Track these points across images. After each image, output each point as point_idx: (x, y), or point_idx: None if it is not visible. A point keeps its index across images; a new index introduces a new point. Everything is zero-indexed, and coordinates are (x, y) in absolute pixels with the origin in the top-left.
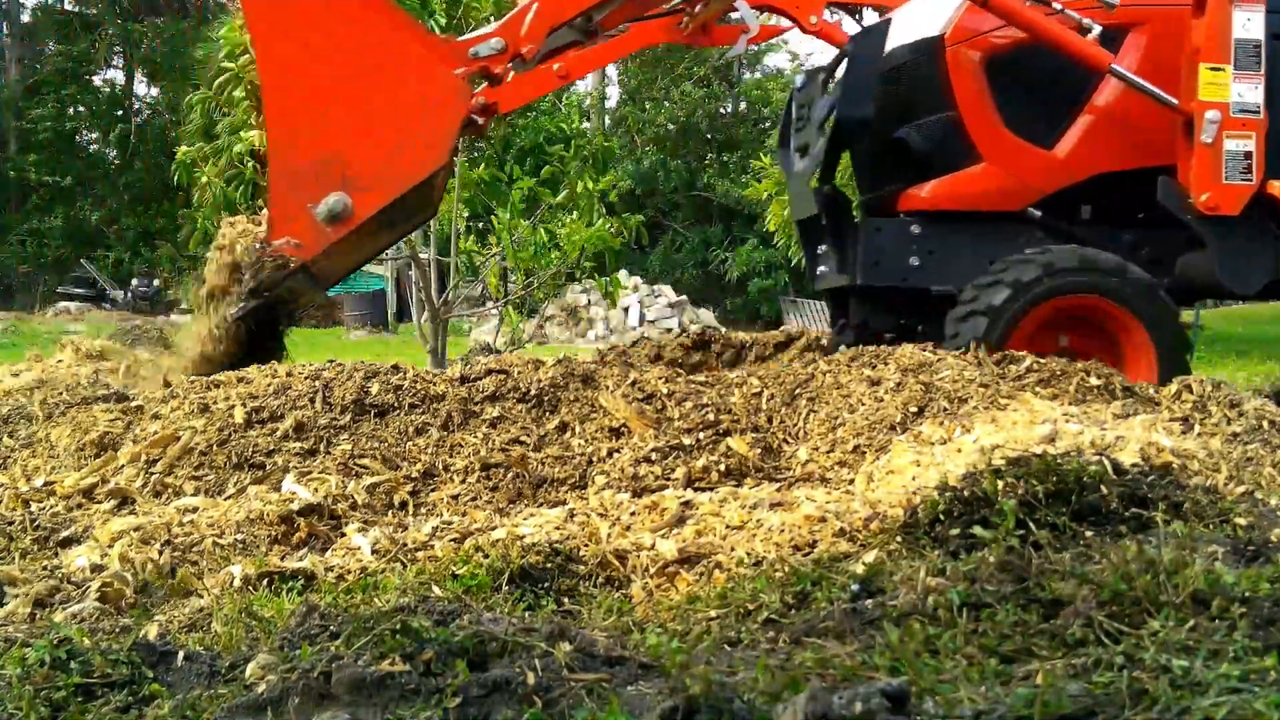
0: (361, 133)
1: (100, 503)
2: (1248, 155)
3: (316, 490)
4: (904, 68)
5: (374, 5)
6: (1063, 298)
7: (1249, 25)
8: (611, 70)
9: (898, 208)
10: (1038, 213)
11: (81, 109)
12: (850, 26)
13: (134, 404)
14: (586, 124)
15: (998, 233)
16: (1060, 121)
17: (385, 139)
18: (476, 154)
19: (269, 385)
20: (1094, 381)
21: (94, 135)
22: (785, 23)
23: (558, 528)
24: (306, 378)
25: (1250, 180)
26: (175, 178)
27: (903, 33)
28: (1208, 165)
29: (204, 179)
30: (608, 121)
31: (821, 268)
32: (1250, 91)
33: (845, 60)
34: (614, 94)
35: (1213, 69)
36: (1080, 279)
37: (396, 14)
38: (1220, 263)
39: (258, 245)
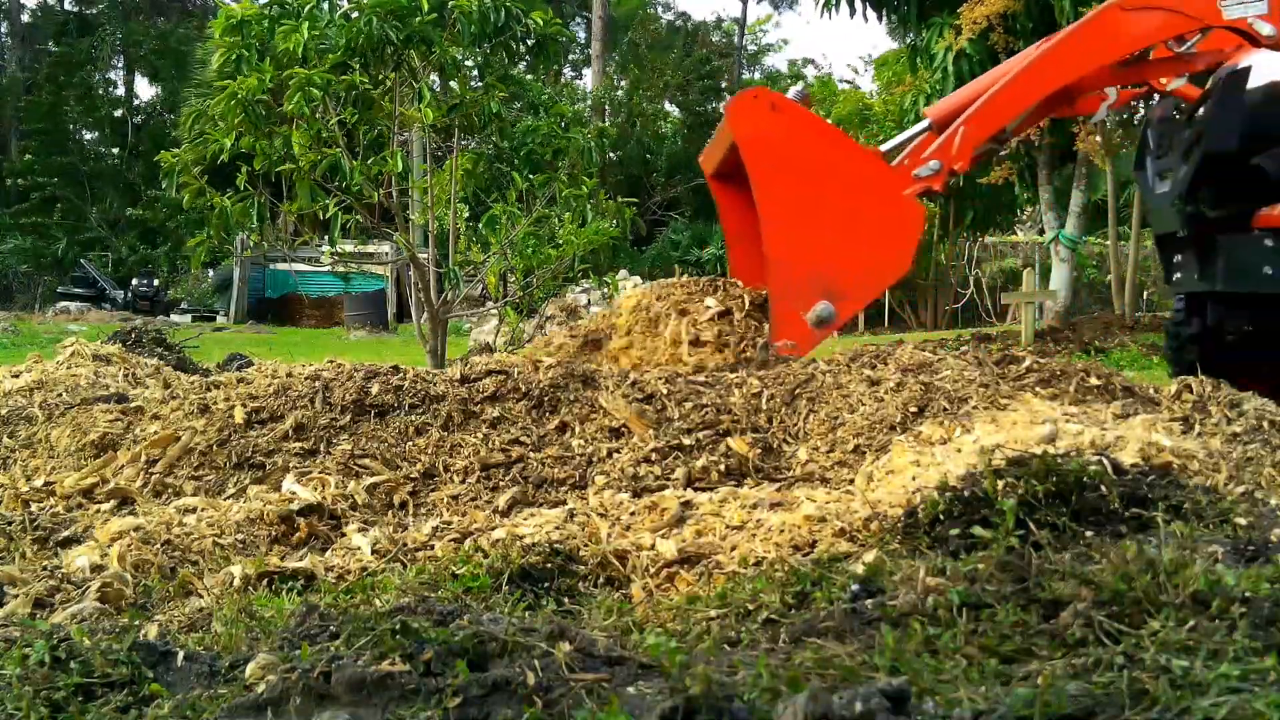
0: (841, 253)
1: (100, 503)
2: None
3: (316, 490)
4: (1263, 104)
5: (843, 144)
6: None
7: None
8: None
9: (1253, 225)
10: None
11: (81, 109)
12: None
13: (134, 404)
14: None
15: None
16: None
17: (861, 258)
18: (476, 153)
19: (269, 385)
20: (1094, 381)
21: (94, 135)
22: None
23: (558, 528)
24: (306, 378)
25: None
26: (164, 185)
27: (1263, 74)
28: None
29: (195, 187)
30: (608, 120)
31: (1178, 274)
32: None
33: (1211, 97)
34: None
35: None
36: None
37: (857, 149)
38: None
39: (763, 343)
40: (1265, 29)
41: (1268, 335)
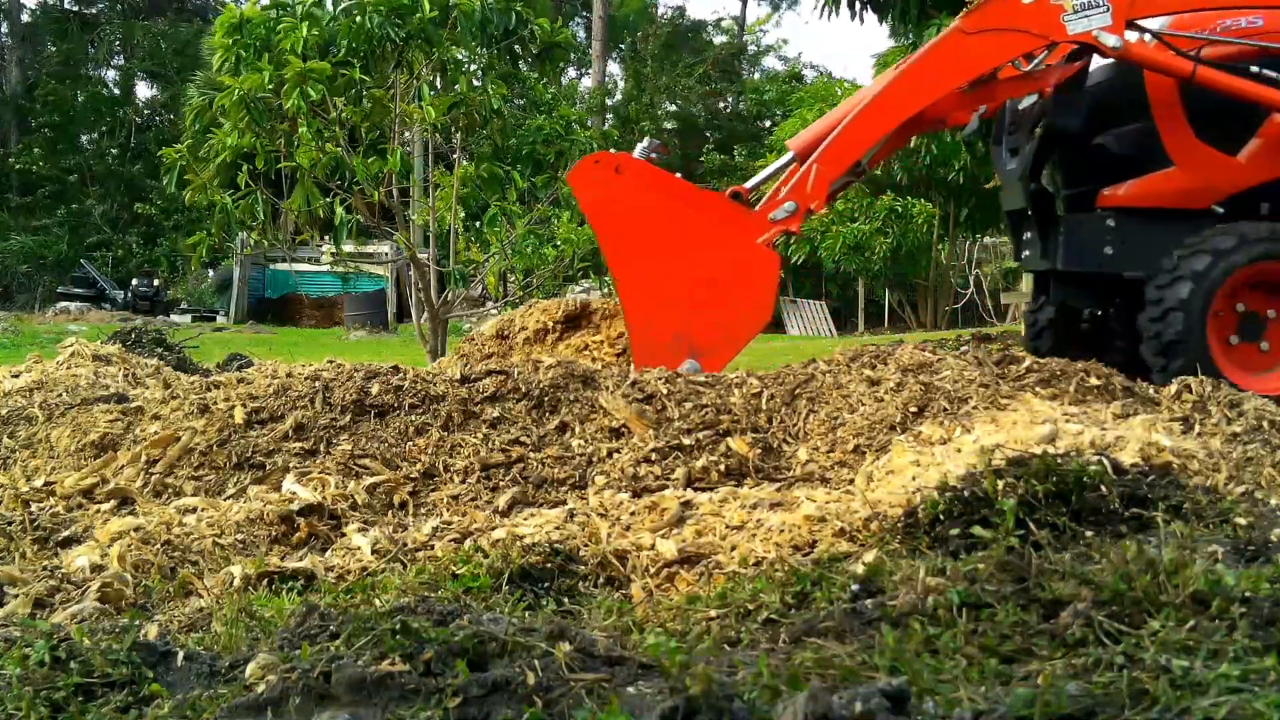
0: (699, 312)
1: (100, 503)
2: None
3: (316, 490)
4: (1106, 83)
5: (693, 199)
6: (1237, 273)
7: None
8: (614, 69)
9: (1096, 204)
10: (1220, 209)
11: (82, 108)
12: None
13: (134, 404)
14: (589, 124)
15: (1184, 226)
16: (1244, 130)
17: (719, 315)
18: (475, 152)
19: (269, 386)
20: (1094, 381)
21: (94, 134)
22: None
23: (558, 528)
24: (306, 378)
25: None
26: (166, 183)
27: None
28: None
29: (200, 187)
30: (608, 120)
31: (1026, 252)
32: None
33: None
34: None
35: None
36: (1244, 254)
37: (708, 201)
38: None
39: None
40: (1110, 40)
41: (1113, 315)
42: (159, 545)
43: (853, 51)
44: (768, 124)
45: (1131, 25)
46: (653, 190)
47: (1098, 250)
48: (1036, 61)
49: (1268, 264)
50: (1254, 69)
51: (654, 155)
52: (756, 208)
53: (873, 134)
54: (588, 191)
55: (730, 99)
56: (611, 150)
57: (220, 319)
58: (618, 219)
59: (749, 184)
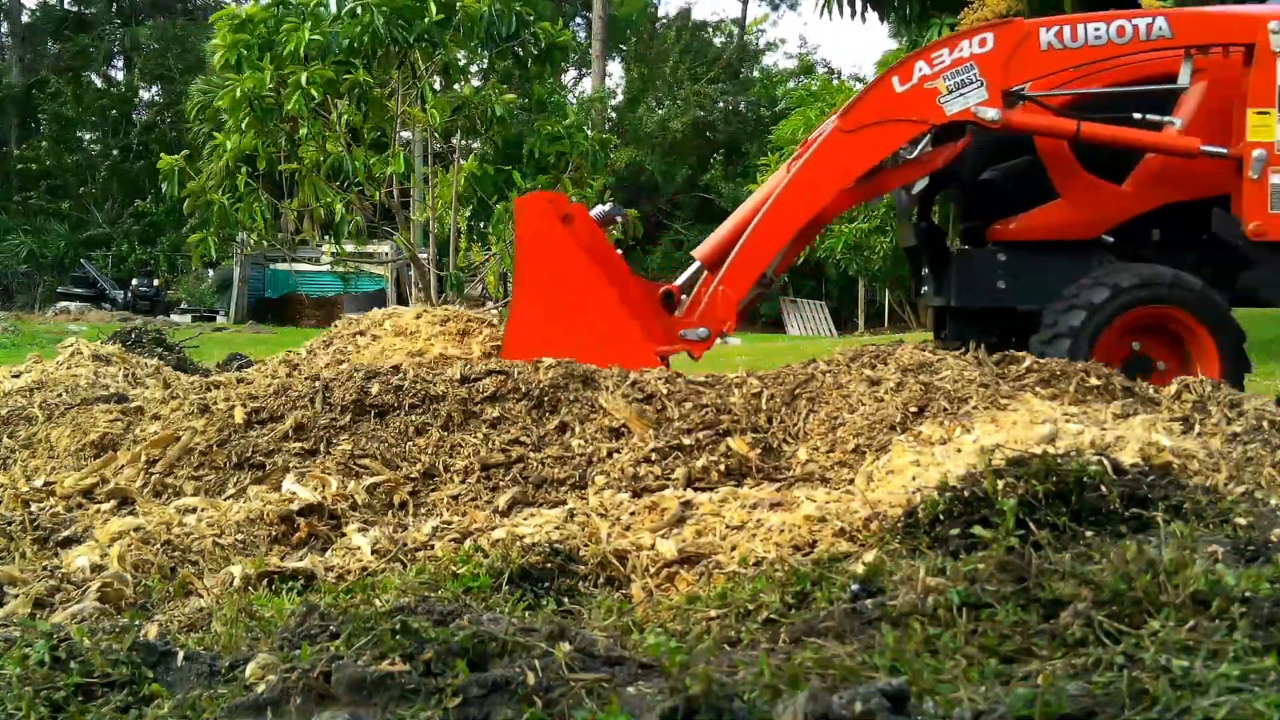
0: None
1: (100, 503)
2: None
3: (316, 490)
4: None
5: (619, 278)
6: (1132, 311)
7: None
8: (615, 68)
9: (988, 238)
10: (1110, 239)
11: (82, 108)
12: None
13: (134, 404)
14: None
15: (1074, 257)
16: (1129, 159)
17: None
18: (477, 152)
19: (269, 385)
20: (1094, 381)
21: (96, 134)
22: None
23: (558, 528)
24: (307, 378)
25: None
26: (164, 189)
27: None
28: (1256, 198)
29: (198, 190)
30: (609, 121)
31: (925, 288)
32: None
33: None
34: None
35: (1259, 113)
36: (1144, 293)
37: (633, 289)
38: (1267, 282)
39: None
40: (989, 114)
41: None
42: (159, 545)
43: (858, 50)
44: (770, 125)
45: (1008, 95)
46: (589, 252)
47: (990, 285)
48: (921, 147)
49: (1166, 309)
50: (1135, 115)
51: (616, 220)
52: (677, 311)
53: (771, 248)
54: (531, 224)
55: (731, 99)
56: (609, 151)
57: (220, 319)
58: (547, 259)
59: (675, 283)
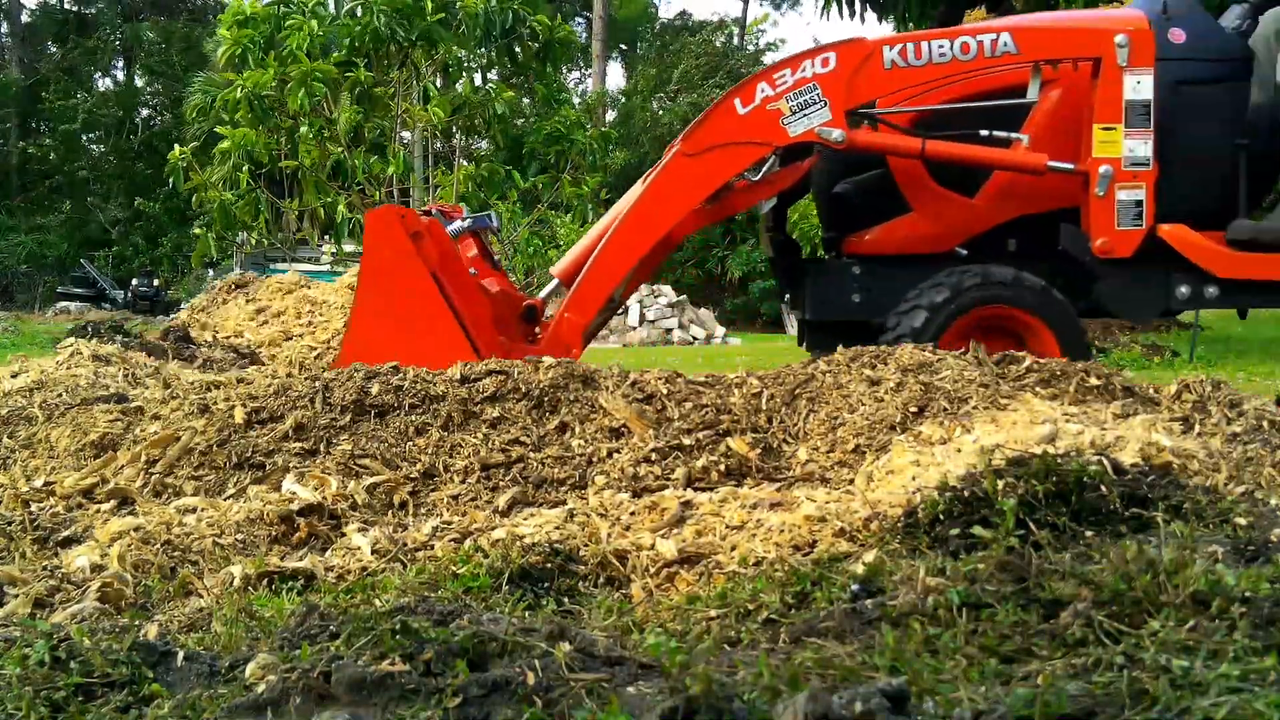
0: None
1: (100, 503)
2: (1138, 204)
3: (316, 490)
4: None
5: (466, 287)
6: (973, 311)
7: (1139, 87)
8: (615, 69)
9: (842, 251)
10: (964, 251)
11: (82, 108)
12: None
13: (134, 404)
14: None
15: (928, 270)
16: (983, 173)
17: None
18: (475, 154)
19: (269, 385)
20: (1094, 381)
21: (95, 134)
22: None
23: (558, 528)
24: (307, 378)
25: (1141, 225)
26: (170, 181)
27: None
28: (1103, 215)
29: (202, 185)
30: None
31: (787, 296)
32: (1140, 146)
33: None
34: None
35: (1105, 128)
36: (984, 293)
37: (480, 301)
38: (1116, 297)
39: None
40: (834, 135)
41: None
42: (159, 545)
43: None
44: None
45: (852, 114)
46: (437, 268)
47: (845, 298)
48: (768, 166)
49: (1007, 308)
50: (982, 132)
51: (491, 230)
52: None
53: (616, 274)
54: (379, 237)
55: None
56: (609, 148)
57: None
58: (391, 275)
59: (542, 295)
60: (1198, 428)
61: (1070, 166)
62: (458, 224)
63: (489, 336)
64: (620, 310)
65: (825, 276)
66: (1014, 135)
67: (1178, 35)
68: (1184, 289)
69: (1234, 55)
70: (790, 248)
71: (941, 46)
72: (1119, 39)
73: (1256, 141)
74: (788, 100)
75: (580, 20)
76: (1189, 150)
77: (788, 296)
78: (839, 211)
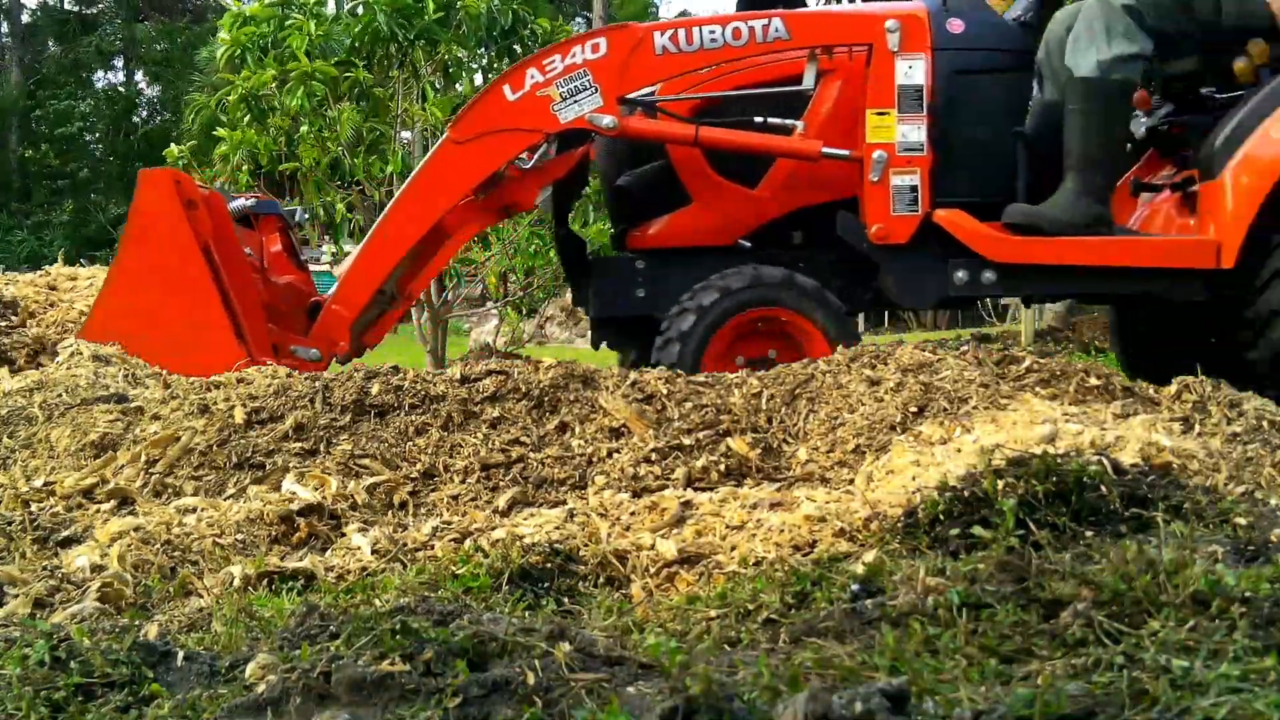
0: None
1: (100, 503)
2: (914, 189)
3: (316, 490)
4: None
5: (239, 267)
6: (743, 314)
7: (910, 72)
8: None
9: (625, 246)
10: (748, 244)
11: (84, 109)
12: None
13: (134, 404)
14: None
15: (713, 264)
16: (765, 163)
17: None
18: None
19: (269, 385)
20: (1094, 381)
21: (95, 135)
22: None
23: (558, 528)
24: (306, 378)
25: (916, 211)
26: None
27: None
28: (877, 200)
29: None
30: None
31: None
32: (914, 132)
33: None
34: None
35: (879, 114)
36: (753, 295)
37: (252, 287)
38: (896, 284)
39: None
40: (605, 121)
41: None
42: (159, 545)
43: None
44: None
45: (624, 101)
46: (210, 242)
47: (629, 294)
48: (540, 153)
49: (777, 310)
50: (759, 120)
51: (293, 225)
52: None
53: (382, 265)
54: (149, 200)
55: None
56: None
57: None
58: (156, 242)
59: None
60: (1198, 428)
61: (845, 153)
62: (240, 201)
63: (256, 321)
64: (395, 300)
65: (609, 272)
66: (791, 123)
67: (956, 25)
68: (961, 274)
69: (1014, 47)
70: (573, 242)
71: (713, 32)
72: (889, 24)
73: (1036, 131)
74: (558, 86)
75: (580, 20)
76: (966, 137)
77: (573, 295)
78: (623, 204)
